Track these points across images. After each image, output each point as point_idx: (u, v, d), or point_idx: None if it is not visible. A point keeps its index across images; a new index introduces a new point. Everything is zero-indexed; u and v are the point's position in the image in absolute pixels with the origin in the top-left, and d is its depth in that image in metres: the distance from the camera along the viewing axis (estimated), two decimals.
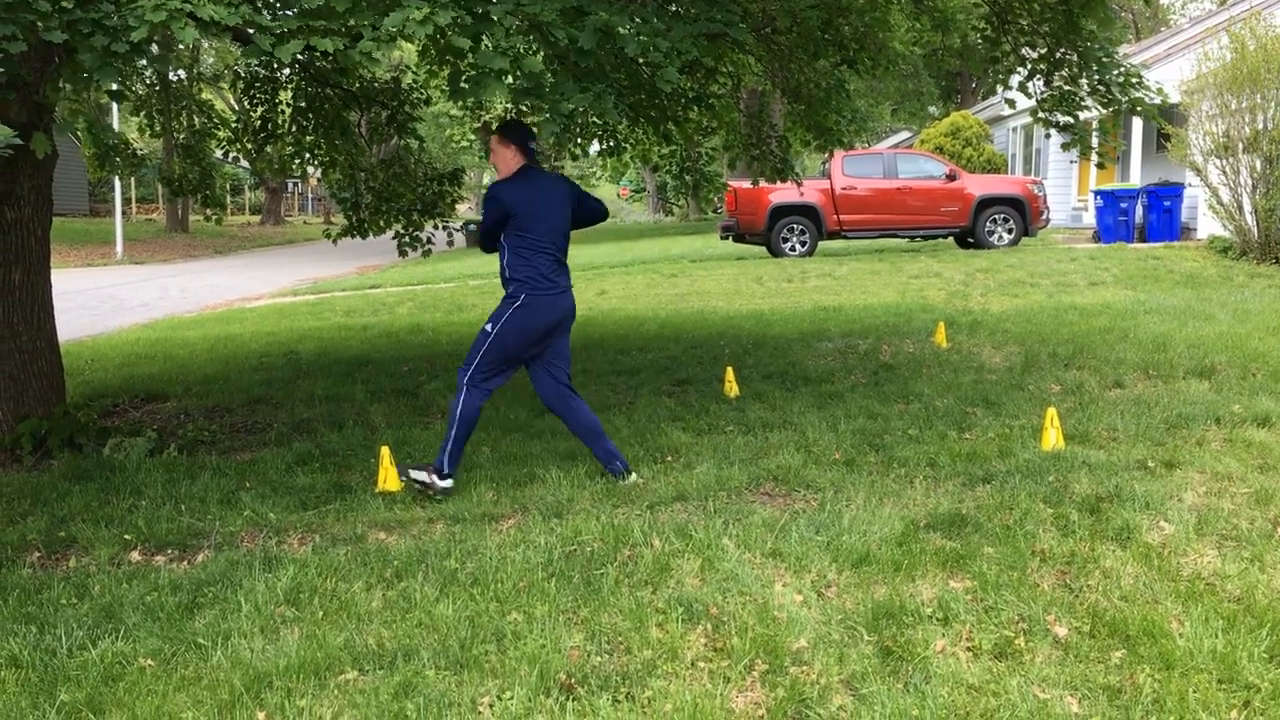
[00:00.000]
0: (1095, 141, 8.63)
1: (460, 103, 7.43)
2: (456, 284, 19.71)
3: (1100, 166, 8.83)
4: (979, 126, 29.46)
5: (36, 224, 7.30)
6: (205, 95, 11.38)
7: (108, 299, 21.02)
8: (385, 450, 5.95)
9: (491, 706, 3.28)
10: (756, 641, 3.58)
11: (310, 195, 63.64)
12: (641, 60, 5.64)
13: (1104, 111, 8.74)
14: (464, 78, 5.13)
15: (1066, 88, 8.69)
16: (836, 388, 8.17)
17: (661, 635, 3.70)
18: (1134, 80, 8.22)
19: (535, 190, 5.63)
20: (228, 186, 54.84)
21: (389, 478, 5.91)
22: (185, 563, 4.91)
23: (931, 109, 50.22)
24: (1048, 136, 9.72)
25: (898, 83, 44.05)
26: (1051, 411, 6.06)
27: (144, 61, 4.98)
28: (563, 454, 6.40)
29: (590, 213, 6.00)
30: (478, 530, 4.98)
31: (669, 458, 6.24)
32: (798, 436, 6.54)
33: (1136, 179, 22.27)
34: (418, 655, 3.62)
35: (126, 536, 5.21)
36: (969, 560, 4.24)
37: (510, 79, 5.27)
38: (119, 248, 32.50)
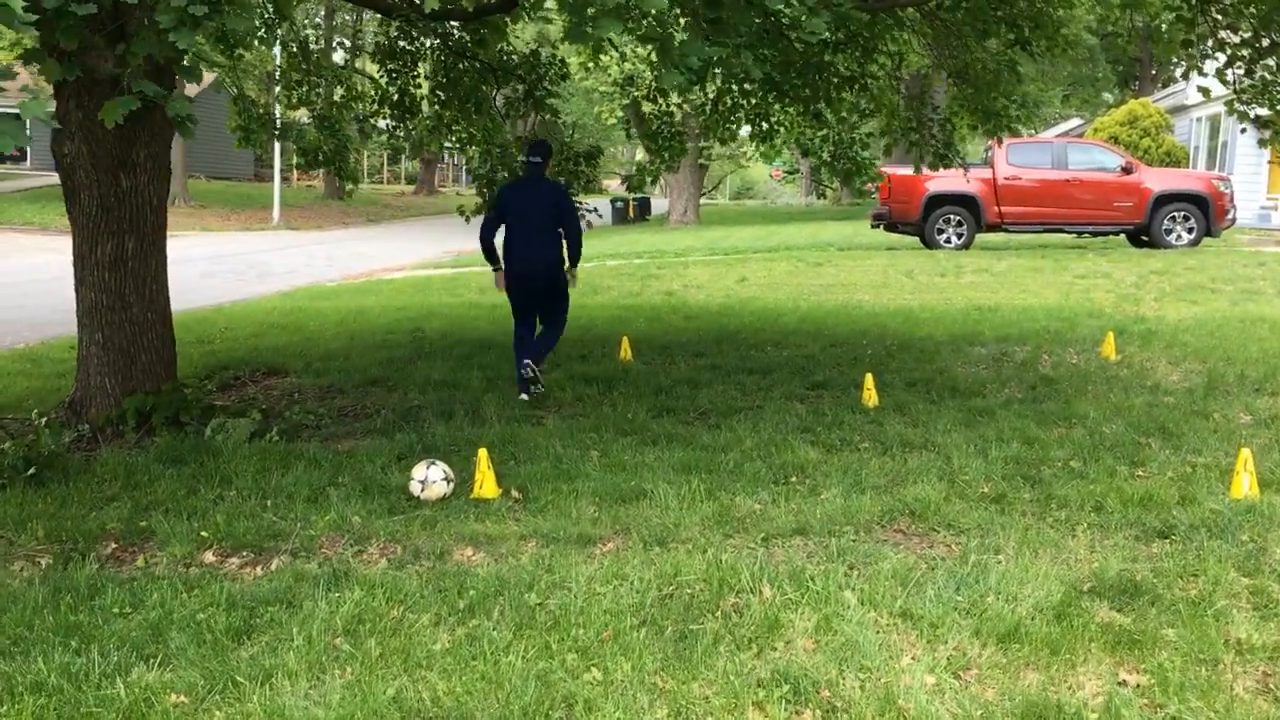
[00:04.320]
0: None
1: (581, 55, 6.90)
2: (594, 264, 19.31)
3: None
4: (1159, 116, 27.52)
5: (153, 193, 7.08)
6: (367, 67, 11.17)
7: (256, 264, 21.39)
8: (483, 454, 5.48)
9: None
10: None
11: (465, 166, 64.53)
12: (785, 8, 4.96)
13: None
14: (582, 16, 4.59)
15: (1270, 77, 7.66)
16: (988, 403, 7.38)
17: None
18: None
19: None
20: (384, 156, 55.96)
21: (485, 483, 5.45)
22: (259, 568, 4.54)
23: (1106, 96, 47.61)
24: (1244, 131, 8.64)
25: (1071, 67, 41.80)
26: (1245, 452, 5.19)
27: (224, 22, 4.56)
28: (677, 465, 5.83)
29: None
30: (570, 556, 4.46)
31: (793, 478, 5.60)
32: (941, 462, 5.82)
33: None
34: None
35: (204, 534, 4.88)
36: (1144, 646, 3.50)
37: (634, 24, 4.70)
38: (276, 214, 33.35)
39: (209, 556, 4.69)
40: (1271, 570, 4.11)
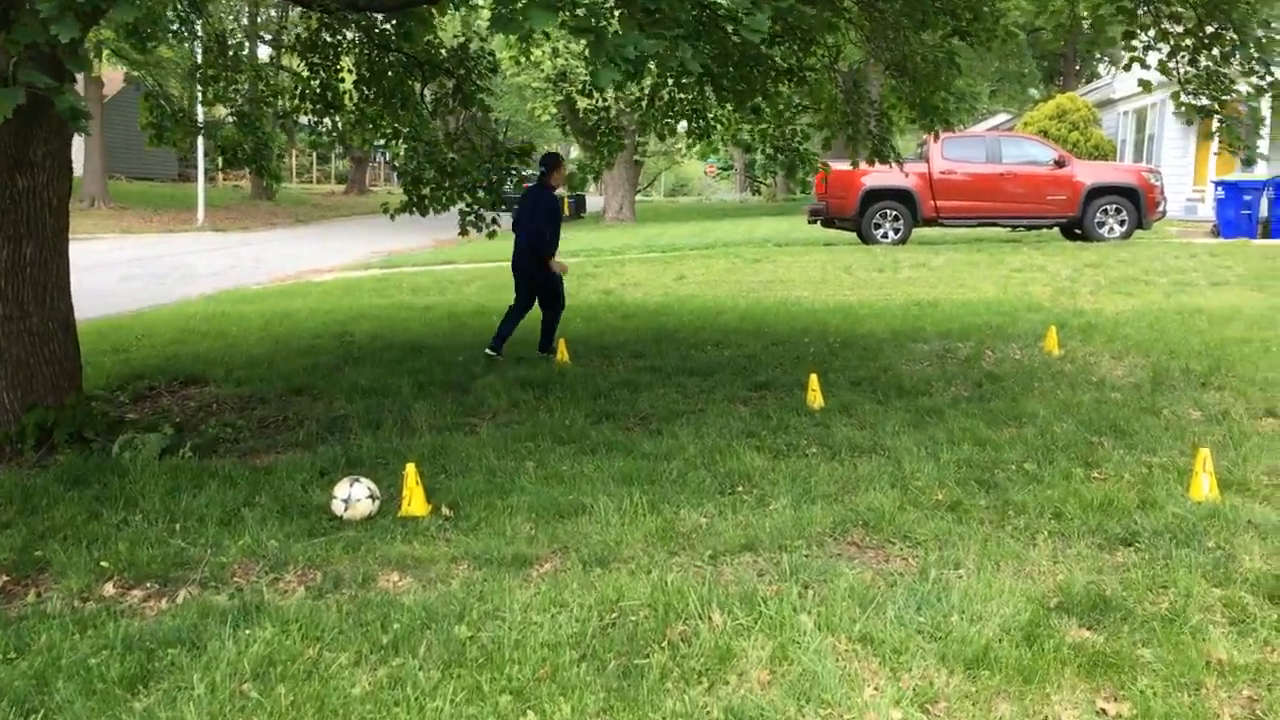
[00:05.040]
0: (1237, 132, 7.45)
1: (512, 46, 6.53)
2: None
3: (1248, 162, 7.62)
4: (1087, 110, 27.82)
5: (52, 194, 6.61)
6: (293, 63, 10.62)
7: (179, 267, 20.70)
8: (411, 469, 5.14)
9: None
10: None
11: (392, 164, 63.55)
12: (724, 3, 4.72)
13: (1243, 98, 7.57)
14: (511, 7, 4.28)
15: (1215, 67, 7.55)
16: (935, 402, 7.19)
17: None
18: None
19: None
20: (313, 155, 54.90)
21: (414, 500, 5.11)
22: (163, 600, 4.17)
23: (1032, 91, 48.16)
24: (1189, 123, 8.54)
25: (999, 63, 42.18)
26: (1204, 453, 5.02)
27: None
28: (617, 475, 5.53)
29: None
30: (504, 580, 4.14)
31: (739, 487, 5.34)
32: (892, 466, 5.59)
33: (1262, 169, 20.55)
34: None
35: (104, 564, 4.48)
36: (1121, 669, 3.27)
37: (566, 14, 4.40)
38: (200, 214, 32.44)
39: (109, 589, 4.30)
40: (1243, 580, 3.92)
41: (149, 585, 4.34)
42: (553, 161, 9.68)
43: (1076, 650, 3.38)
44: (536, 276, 9.55)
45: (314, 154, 54.81)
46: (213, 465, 5.95)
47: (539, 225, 9.41)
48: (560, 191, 10.31)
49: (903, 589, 3.90)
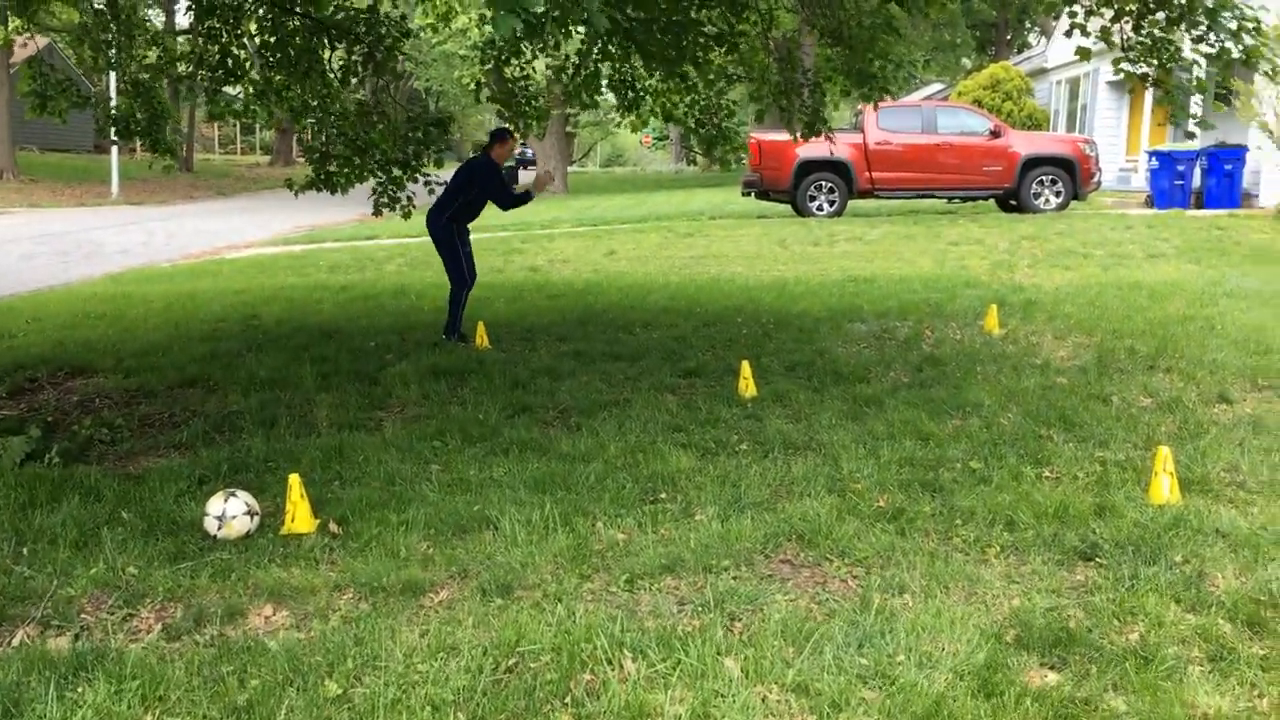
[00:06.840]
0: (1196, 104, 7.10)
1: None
2: None
3: (1190, 136, 7.32)
4: (1020, 80, 27.62)
5: None
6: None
7: (86, 243, 19.68)
8: (295, 481, 4.58)
9: None
10: None
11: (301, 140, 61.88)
12: None
13: (1196, 63, 7.20)
14: None
15: (1159, 33, 7.17)
16: (874, 390, 6.76)
17: None
18: (1250, 27, 6.69)
19: None
20: (237, 125, 53.27)
21: (298, 516, 4.55)
22: None
23: (965, 61, 48.13)
24: (1131, 91, 8.19)
25: (932, 32, 42.01)
26: (1164, 451, 4.62)
27: None
28: (529, 481, 5.02)
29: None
30: (389, 617, 3.62)
31: (663, 493, 4.85)
32: (829, 466, 5.14)
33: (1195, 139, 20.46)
34: None
35: None
36: None
37: None
38: (114, 187, 31.16)
39: None
40: (1218, 604, 3.51)
41: None
42: (497, 136, 9.14)
43: (1040, 700, 2.94)
44: (440, 241, 9.07)
45: (238, 124, 53.16)
46: (79, 473, 5.32)
47: (447, 188, 8.99)
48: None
49: (842, 621, 3.44)
